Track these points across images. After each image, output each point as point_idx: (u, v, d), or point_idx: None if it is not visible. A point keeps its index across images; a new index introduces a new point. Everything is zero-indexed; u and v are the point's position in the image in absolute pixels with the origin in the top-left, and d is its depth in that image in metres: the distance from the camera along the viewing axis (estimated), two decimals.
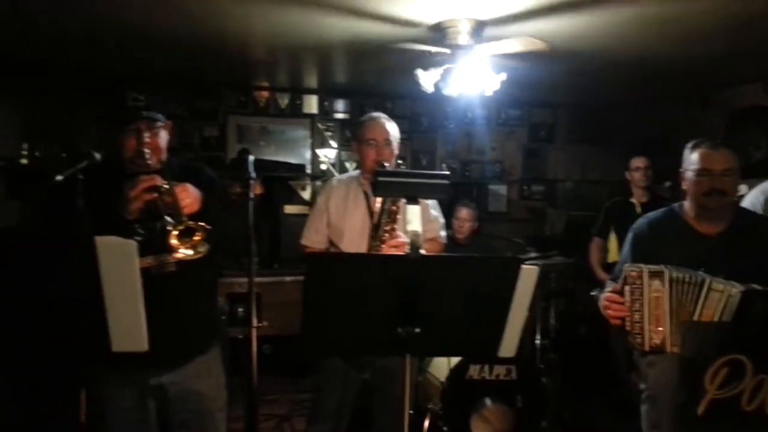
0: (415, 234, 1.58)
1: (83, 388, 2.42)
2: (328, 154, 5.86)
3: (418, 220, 1.60)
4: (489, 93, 3.35)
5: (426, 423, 3.44)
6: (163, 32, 3.74)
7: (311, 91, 5.75)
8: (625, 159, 4.27)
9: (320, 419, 2.73)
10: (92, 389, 2.14)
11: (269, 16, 3.34)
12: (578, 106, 6.19)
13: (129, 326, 1.48)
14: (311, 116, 5.81)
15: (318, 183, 5.81)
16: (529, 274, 1.66)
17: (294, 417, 4.12)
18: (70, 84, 5.12)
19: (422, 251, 1.60)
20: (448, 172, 1.69)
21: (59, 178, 1.78)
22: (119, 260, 1.41)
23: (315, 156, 5.83)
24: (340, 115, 5.88)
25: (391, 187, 1.66)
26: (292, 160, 5.69)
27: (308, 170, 5.73)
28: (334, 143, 5.87)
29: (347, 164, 5.87)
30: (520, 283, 1.66)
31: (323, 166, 5.84)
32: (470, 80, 3.24)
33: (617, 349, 3.97)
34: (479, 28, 3.13)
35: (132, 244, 1.43)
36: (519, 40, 3.01)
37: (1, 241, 1.42)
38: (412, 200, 1.60)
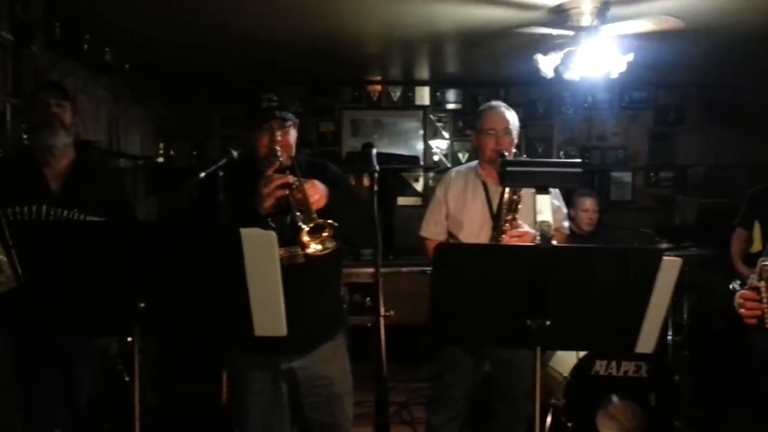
0: (546, 224, 1.54)
1: (224, 371, 2.60)
2: (440, 145, 5.85)
3: (549, 210, 1.56)
4: (615, 75, 3.19)
5: (548, 418, 3.36)
6: (284, 36, 3.93)
7: (423, 83, 5.77)
8: (764, 142, 3.89)
9: (441, 408, 2.75)
10: (232, 372, 2.29)
11: (383, 10, 3.38)
12: (710, 86, 5.72)
13: (270, 312, 1.56)
14: (423, 108, 5.82)
15: (431, 174, 5.82)
16: (670, 266, 1.57)
17: (412, 405, 4.18)
18: (198, 88, 5.52)
19: (554, 242, 1.55)
20: (580, 160, 1.63)
21: (202, 174, 1.91)
22: (261, 251, 1.50)
23: (427, 147, 5.84)
24: (452, 106, 5.84)
25: (520, 177, 1.62)
26: (405, 152, 5.74)
27: (421, 162, 5.75)
28: (446, 134, 5.85)
29: (460, 155, 5.83)
30: (660, 275, 1.57)
31: (436, 158, 5.84)
32: (594, 63, 3.10)
33: (758, 345, 3.65)
34: (603, 8, 2.98)
35: (273, 236, 1.51)
36: (653, 19, 2.83)
37: (165, 232, 1.56)
38: (542, 190, 1.56)
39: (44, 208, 2.29)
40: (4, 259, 2.15)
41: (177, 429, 3.10)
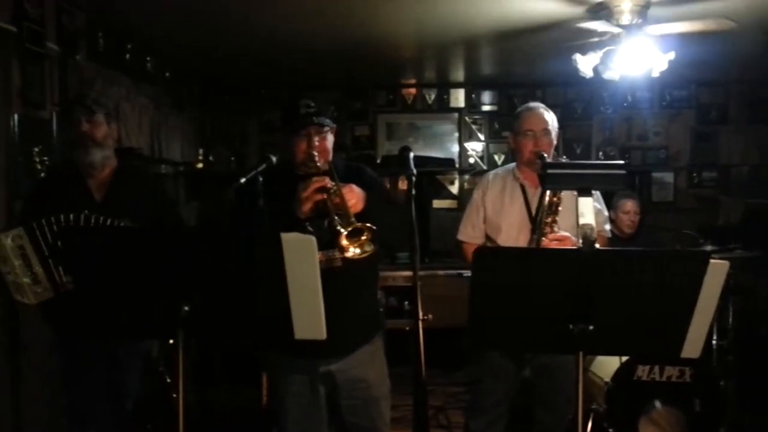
0: (588, 227, 1.52)
1: (264, 373, 2.63)
2: (475, 148, 5.82)
3: (591, 213, 1.53)
4: (656, 74, 3.13)
5: (589, 424, 3.31)
6: (320, 43, 3.98)
7: (458, 85, 5.75)
8: None
9: (480, 413, 2.72)
10: (271, 374, 2.32)
11: (417, 12, 3.38)
12: (753, 83, 5.55)
13: (310, 315, 1.58)
14: (458, 110, 5.80)
15: (466, 177, 5.80)
16: (717, 270, 1.53)
17: (449, 409, 4.16)
18: (237, 95, 5.62)
19: (597, 245, 1.53)
20: (623, 161, 1.60)
21: (242, 180, 1.94)
22: (301, 255, 1.51)
23: (463, 150, 5.81)
24: (487, 108, 5.81)
25: (562, 179, 1.60)
26: (440, 155, 5.73)
27: (456, 164, 5.73)
28: (481, 136, 5.81)
29: (495, 157, 5.79)
30: (707, 279, 1.53)
31: (471, 160, 5.81)
32: (634, 62, 3.04)
33: None
34: (645, 6, 2.92)
35: (313, 240, 1.53)
36: (703, 21, 2.76)
37: (207, 238, 1.59)
38: (585, 192, 1.54)
39: (83, 215, 2.34)
40: (41, 270, 2.24)
41: (217, 429, 3.15)
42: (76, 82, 3.28)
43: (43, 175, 2.90)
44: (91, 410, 2.52)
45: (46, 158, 2.97)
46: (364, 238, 1.89)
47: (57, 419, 2.81)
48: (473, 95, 5.77)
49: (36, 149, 2.93)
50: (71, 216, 2.32)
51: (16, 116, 2.80)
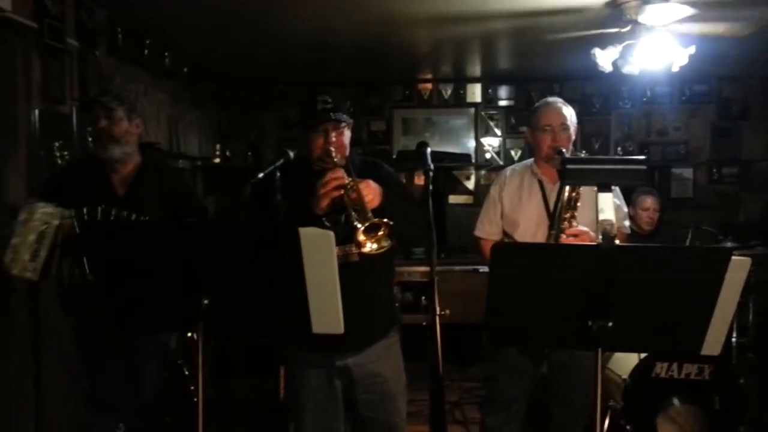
0: (608, 223, 1.50)
1: (281, 367, 2.64)
2: (492, 143, 5.79)
3: (611, 209, 1.52)
4: (676, 69, 3.09)
5: (606, 421, 3.29)
6: (336, 38, 3.99)
7: (474, 80, 5.72)
8: None
9: (496, 410, 2.72)
10: (289, 368, 2.33)
11: (433, 6, 3.37)
12: None
13: (327, 310, 1.58)
14: (475, 105, 5.78)
15: (482, 172, 5.77)
16: (739, 266, 1.51)
17: (464, 404, 4.16)
18: (253, 90, 5.65)
19: (617, 241, 1.51)
20: (644, 157, 1.58)
21: (260, 175, 1.95)
22: (320, 250, 1.52)
23: (479, 145, 5.79)
24: (504, 102, 5.77)
25: (582, 175, 1.59)
26: (456, 150, 5.71)
27: (472, 159, 5.70)
28: (498, 131, 5.78)
29: (512, 152, 5.76)
30: (728, 275, 1.51)
31: (487, 155, 5.78)
32: (654, 56, 3.00)
33: None
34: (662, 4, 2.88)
35: (331, 235, 1.53)
36: (723, 25, 2.71)
37: (227, 231, 1.60)
38: (605, 188, 1.52)
39: (101, 208, 2.37)
40: (44, 254, 2.26)
41: (234, 422, 3.17)
42: (95, 78, 3.32)
43: (61, 165, 2.92)
44: (112, 399, 2.55)
45: (66, 153, 3.01)
46: (381, 233, 1.89)
47: (79, 408, 2.86)
48: (490, 90, 5.74)
49: (56, 144, 2.97)
50: (98, 209, 2.35)
51: (36, 111, 2.84)
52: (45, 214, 2.27)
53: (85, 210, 2.35)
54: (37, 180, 2.77)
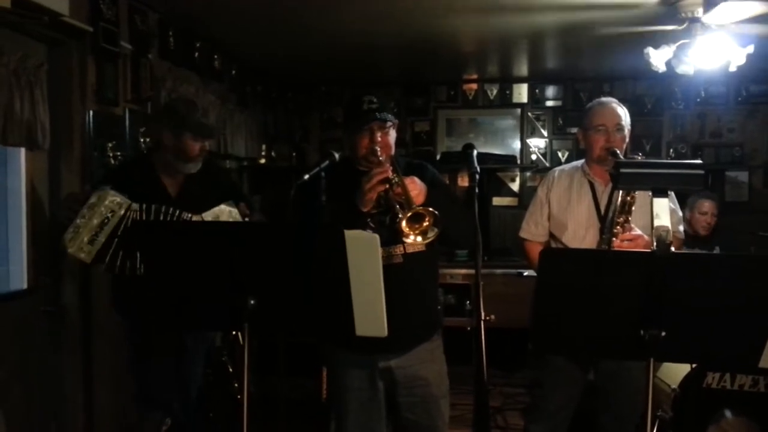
0: (664, 229, 1.45)
1: (324, 366, 2.66)
2: (538, 144, 5.70)
3: (667, 215, 1.47)
4: (733, 69, 2.97)
5: (655, 431, 3.19)
6: (382, 40, 3.99)
7: (521, 80, 5.64)
8: None
9: (540, 418, 2.66)
10: (331, 368, 2.34)
11: (480, 4, 3.32)
12: None
13: (371, 313, 1.57)
14: (521, 105, 5.69)
15: (528, 174, 5.69)
16: None
17: (506, 410, 4.10)
18: (299, 92, 5.71)
19: (672, 248, 1.46)
20: (701, 161, 1.51)
21: (306, 177, 1.96)
22: (365, 252, 1.51)
23: (525, 146, 5.70)
24: (551, 103, 5.67)
25: (636, 179, 1.53)
26: (501, 152, 5.64)
27: (518, 161, 5.63)
28: (545, 132, 5.69)
29: (559, 153, 5.65)
30: None
31: (533, 157, 5.69)
32: (710, 56, 2.89)
33: None
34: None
35: (376, 238, 1.53)
36: None
37: (274, 233, 1.61)
38: (661, 193, 1.47)
39: (154, 207, 2.42)
40: (103, 240, 2.32)
41: (277, 420, 3.20)
42: (147, 80, 3.40)
43: (113, 166, 3.01)
44: (160, 395, 2.61)
45: (119, 153, 3.09)
46: (426, 223, 1.86)
47: (126, 402, 2.93)
48: (536, 90, 5.65)
49: (110, 144, 3.06)
50: (152, 208, 2.41)
51: (91, 112, 2.93)
52: (113, 203, 2.34)
53: (144, 206, 2.42)
54: (92, 180, 2.85)
